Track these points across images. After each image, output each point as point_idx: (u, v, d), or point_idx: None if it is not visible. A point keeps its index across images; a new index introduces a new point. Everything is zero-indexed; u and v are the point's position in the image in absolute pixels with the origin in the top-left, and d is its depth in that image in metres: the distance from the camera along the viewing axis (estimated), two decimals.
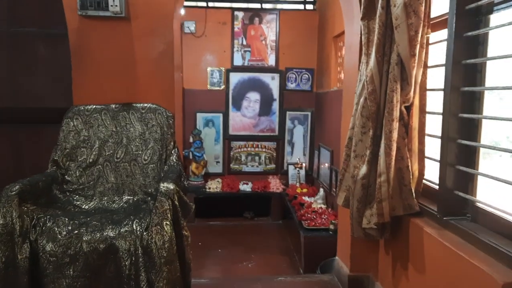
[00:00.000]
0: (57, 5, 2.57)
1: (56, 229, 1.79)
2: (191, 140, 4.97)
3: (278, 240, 4.32)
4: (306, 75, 5.10)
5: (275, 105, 5.15)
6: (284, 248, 4.08)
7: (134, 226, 1.82)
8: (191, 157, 4.94)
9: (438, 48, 2.10)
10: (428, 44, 2.07)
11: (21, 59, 3.13)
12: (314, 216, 3.66)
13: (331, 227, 3.41)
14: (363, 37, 2.21)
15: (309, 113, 5.16)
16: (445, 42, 1.88)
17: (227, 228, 4.72)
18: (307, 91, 5.13)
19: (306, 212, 3.78)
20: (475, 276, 1.50)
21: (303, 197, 4.30)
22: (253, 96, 5.13)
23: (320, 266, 3.19)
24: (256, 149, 5.23)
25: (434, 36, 2.13)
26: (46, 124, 2.87)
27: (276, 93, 5.13)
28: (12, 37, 3.08)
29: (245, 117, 5.16)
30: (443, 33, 2.00)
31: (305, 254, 3.41)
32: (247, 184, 5.00)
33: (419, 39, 1.94)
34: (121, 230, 1.81)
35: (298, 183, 4.87)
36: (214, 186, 4.94)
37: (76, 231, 1.79)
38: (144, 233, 1.77)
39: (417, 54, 1.95)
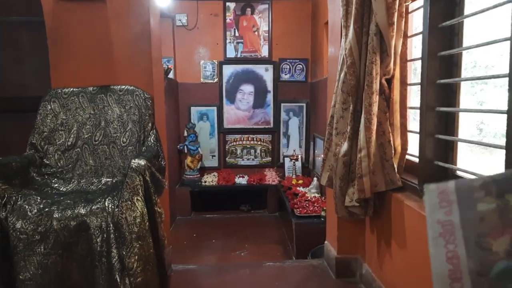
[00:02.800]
0: None
1: (26, 207, 1.76)
2: (185, 134, 4.95)
3: (273, 231, 4.27)
4: (300, 66, 5.05)
5: (270, 97, 5.10)
6: (278, 238, 4.03)
7: (106, 204, 1.78)
8: (186, 151, 4.91)
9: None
10: (407, 12, 2.02)
11: (5, 49, 3.13)
12: (307, 205, 3.61)
13: (323, 213, 3.35)
14: (341, 10, 2.16)
15: (304, 104, 5.11)
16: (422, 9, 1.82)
17: (223, 221, 4.68)
18: (302, 81, 5.08)
19: (299, 201, 3.73)
20: None
21: (298, 188, 4.24)
22: (247, 89, 5.09)
23: (311, 252, 3.14)
24: (252, 142, 5.19)
25: (415, 5, 2.09)
26: (32, 112, 2.86)
27: (270, 85, 5.08)
28: None
29: (239, 110, 5.12)
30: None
31: (297, 241, 3.35)
32: (243, 177, 4.96)
33: (396, 7, 1.89)
34: (93, 207, 1.77)
35: (294, 175, 4.82)
36: (210, 179, 4.90)
37: (46, 209, 1.76)
38: (116, 210, 1.73)
39: (395, 23, 1.90)
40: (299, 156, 4.99)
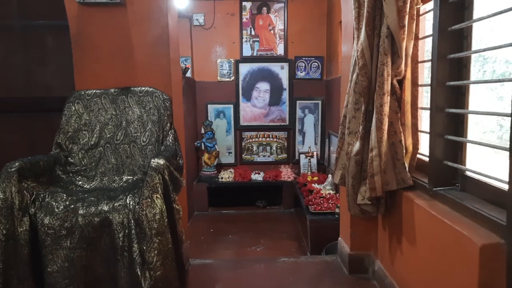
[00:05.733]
0: None
1: (54, 203, 1.88)
2: (202, 131, 5.05)
3: (288, 227, 4.34)
4: (316, 63, 5.09)
5: (285, 95, 5.16)
6: (293, 234, 4.10)
7: (128, 201, 1.88)
8: (203, 147, 5.02)
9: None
10: (418, 15, 2.05)
11: (32, 51, 3.28)
12: (321, 201, 3.67)
13: (337, 210, 3.40)
14: (354, 12, 2.21)
15: (320, 102, 5.15)
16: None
17: (239, 217, 4.78)
18: (317, 79, 5.12)
19: (314, 197, 3.79)
20: (456, 240, 1.50)
21: (313, 184, 4.30)
22: (263, 86, 5.16)
23: (325, 249, 3.20)
24: (267, 139, 5.26)
25: (427, 8, 2.12)
26: (57, 112, 2.99)
27: (285, 83, 5.14)
28: (23, 30, 3.23)
29: (255, 108, 5.19)
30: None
31: (312, 238, 3.42)
32: (258, 173, 5.04)
33: (407, 9, 1.92)
34: (115, 204, 1.88)
35: (309, 172, 4.87)
36: (226, 176, 5.00)
37: (72, 206, 1.87)
38: (137, 207, 1.83)
39: (406, 26, 1.94)
40: (315, 153, 5.03)
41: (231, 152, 5.27)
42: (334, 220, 3.35)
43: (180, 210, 1.99)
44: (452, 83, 1.77)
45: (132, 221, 1.82)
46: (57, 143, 2.37)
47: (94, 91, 2.47)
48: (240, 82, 5.14)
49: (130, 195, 1.91)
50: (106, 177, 2.32)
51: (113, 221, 1.85)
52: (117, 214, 1.85)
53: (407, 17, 1.94)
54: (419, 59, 2.09)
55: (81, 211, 1.85)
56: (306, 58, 5.09)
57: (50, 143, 2.44)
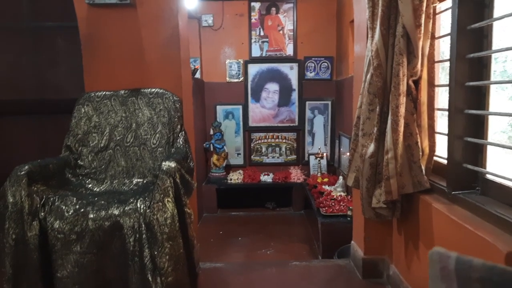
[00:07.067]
0: None
1: (64, 207, 1.85)
2: (211, 132, 5.02)
3: (299, 229, 4.29)
4: (325, 63, 5.03)
5: (294, 95, 5.11)
6: (304, 236, 4.05)
7: (138, 204, 1.85)
8: (212, 149, 4.98)
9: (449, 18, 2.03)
10: (435, 14, 2.00)
11: (44, 53, 3.27)
12: (333, 203, 3.61)
13: (349, 213, 3.35)
14: (367, 12, 2.16)
15: (329, 102, 5.09)
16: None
17: (248, 218, 4.73)
18: (327, 79, 5.06)
19: (325, 199, 3.73)
20: (480, 247, 1.44)
21: (323, 186, 4.25)
22: (272, 87, 5.11)
23: (337, 252, 3.14)
24: (277, 140, 5.21)
25: (443, 6, 2.06)
26: (68, 114, 2.97)
27: (295, 83, 5.09)
28: (34, 32, 3.22)
29: (264, 108, 5.15)
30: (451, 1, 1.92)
31: (323, 241, 3.37)
32: (268, 175, 5.00)
33: (424, 8, 1.87)
34: (126, 208, 1.84)
35: (319, 173, 4.81)
36: (235, 177, 4.96)
37: (82, 210, 1.84)
38: (147, 210, 1.80)
39: (422, 25, 1.89)
40: (324, 154, 4.98)
41: (240, 153, 5.24)
42: (346, 222, 3.30)
43: (191, 214, 1.95)
44: (472, 83, 1.72)
45: (143, 225, 1.79)
46: (67, 146, 2.35)
47: (104, 92, 2.44)
48: (249, 83, 5.10)
49: (141, 198, 1.88)
50: (116, 180, 2.30)
51: (123, 225, 1.81)
52: (127, 218, 1.82)
53: (423, 16, 1.88)
54: (436, 59, 2.04)
55: (91, 215, 1.82)
56: (316, 58, 5.04)
57: (60, 145, 2.42)
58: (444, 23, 2.19)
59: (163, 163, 1.85)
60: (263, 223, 4.54)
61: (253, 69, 5.09)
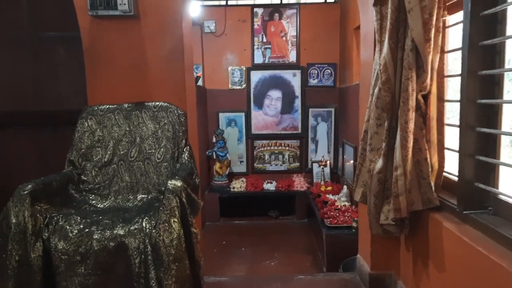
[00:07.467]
0: (72, 9, 2.64)
1: (68, 227, 1.81)
2: (214, 140, 4.98)
3: (302, 239, 4.25)
4: (329, 70, 5.00)
5: (297, 102, 5.08)
6: (307, 246, 4.01)
7: (144, 224, 1.81)
8: (214, 157, 4.95)
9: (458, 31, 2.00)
10: (444, 27, 1.97)
11: (44, 63, 3.24)
12: (337, 214, 3.58)
13: (354, 224, 3.31)
14: (375, 24, 2.13)
15: (333, 109, 5.06)
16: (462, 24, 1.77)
17: (251, 228, 4.69)
18: (330, 86, 5.03)
19: (329, 210, 3.70)
20: (493, 272, 1.40)
21: (327, 195, 4.21)
22: (275, 94, 5.08)
23: (342, 265, 3.11)
24: (280, 147, 5.18)
25: (452, 19, 2.03)
26: (69, 125, 2.95)
27: (298, 90, 5.06)
28: (34, 41, 3.19)
29: (267, 116, 5.12)
30: (461, 15, 1.88)
31: (328, 253, 3.33)
32: (271, 183, 4.96)
33: (434, 22, 1.84)
34: (131, 228, 1.81)
35: (322, 181, 4.78)
36: (238, 185, 4.93)
37: (87, 230, 1.81)
38: (153, 231, 1.76)
39: (432, 39, 1.86)
40: (328, 161, 4.94)
41: (242, 161, 5.20)
42: (351, 234, 3.26)
43: (197, 234, 1.92)
44: (483, 101, 1.68)
45: (149, 246, 1.76)
46: (70, 161, 2.31)
47: (108, 106, 2.41)
48: (252, 90, 5.08)
49: (146, 218, 1.84)
50: (120, 196, 2.26)
51: (129, 246, 1.78)
52: (133, 238, 1.78)
53: (433, 30, 1.85)
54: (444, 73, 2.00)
55: (95, 236, 1.79)
56: (319, 65, 5.00)
57: (61, 156, 2.38)
58: (453, 35, 2.16)
59: (169, 181, 1.82)
60: (266, 232, 4.50)
61: (256, 76, 5.06)
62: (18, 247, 1.73)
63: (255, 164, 5.21)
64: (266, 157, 5.20)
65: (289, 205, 4.99)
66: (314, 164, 5.04)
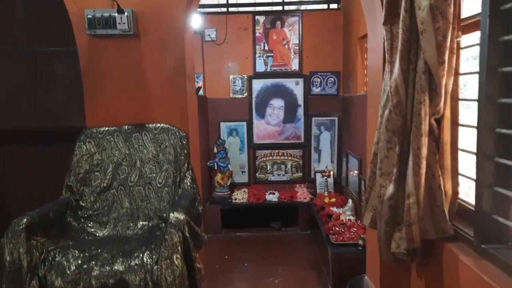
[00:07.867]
0: (70, 24, 2.55)
1: (65, 263, 1.73)
2: (215, 150, 4.89)
3: (306, 253, 4.16)
4: (332, 79, 4.91)
5: (300, 111, 4.99)
6: (312, 261, 3.92)
7: (145, 259, 1.73)
8: (216, 167, 4.86)
9: (472, 51, 1.91)
10: (459, 48, 1.87)
11: (40, 78, 3.14)
12: (343, 230, 3.49)
13: (360, 242, 3.22)
14: (386, 44, 2.04)
15: (336, 118, 4.97)
16: (478, 47, 1.68)
17: (254, 240, 4.60)
18: (333, 95, 4.94)
19: (334, 225, 3.61)
20: None
21: (331, 208, 4.12)
22: (277, 103, 4.99)
23: (349, 285, 3.02)
24: (282, 157, 5.09)
25: (466, 39, 1.94)
26: (68, 142, 2.86)
27: (300, 99, 4.97)
28: (31, 56, 3.10)
29: (269, 125, 5.03)
30: (477, 35, 1.79)
31: (334, 271, 3.24)
32: (273, 193, 4.87)
33: (448, 44, 1.75)
34: (131, 263, 1.72)
35: (326, 192, 4.69)
36: (240, 196, 4.84)
37: (85, 266, 1.72)
38: (155, 267, 1.68)
39: (446, 61, 1.76)
40: (331, 172, 4.85)
41: (244, 171, 5.11)
42: (358, 252, 3.18)
43: (201, 269, 1.83)
44: (503, 130, 1.59)
45: (150, 284, 1.67)
46: (68, 186, 2.23)
47: (107, 128, 2.32)
48: (254, 99, 4.99)
49: (147, 251, 1.75)
50: (120, 223, 2.18)
51: (129, 283, 1.69)
52: (133, 275, 1.70)
53: (447, 52, 1.76)
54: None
55: (94, 272, 1.70)
56: (322, 73, 4.91)
57: (59, 173, 2.30)
58: (466, 55, 2.07)
59: (171, 214, 1.73)
60: (269, 245, 4.41)
61: (258, 84, 4.97)
62: (13, 286, 1.65)
63: (257, 174, 5.12)
64: (268, 167, 5.11)
65: (292, 216, 4.91)
66: (317, 174, 4.96)
